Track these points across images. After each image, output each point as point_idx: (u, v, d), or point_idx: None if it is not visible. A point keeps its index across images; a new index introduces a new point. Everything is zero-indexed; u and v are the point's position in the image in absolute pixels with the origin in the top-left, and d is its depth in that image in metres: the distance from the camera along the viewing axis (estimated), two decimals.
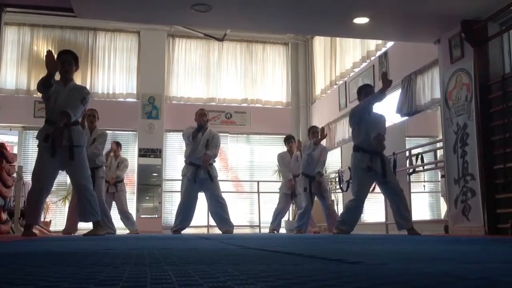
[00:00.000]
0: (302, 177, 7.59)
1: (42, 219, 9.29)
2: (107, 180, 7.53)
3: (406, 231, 5.48)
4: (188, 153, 6.78)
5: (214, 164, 6.85)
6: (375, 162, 5.44)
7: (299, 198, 8.04)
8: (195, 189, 6.75)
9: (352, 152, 5.71)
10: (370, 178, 5.56)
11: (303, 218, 7.51)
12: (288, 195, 8.14)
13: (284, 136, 8.77)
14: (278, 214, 8.21)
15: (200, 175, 6.66)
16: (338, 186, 8.94)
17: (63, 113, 4.70)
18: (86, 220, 5.20)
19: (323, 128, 7.68)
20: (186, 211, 6.75)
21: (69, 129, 4.79)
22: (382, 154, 5.51)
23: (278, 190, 8.52)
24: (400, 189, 5.48)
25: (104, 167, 6.94)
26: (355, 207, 5.58)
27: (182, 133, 6.93)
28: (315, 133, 7.64)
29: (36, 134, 4.95)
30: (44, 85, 4.71)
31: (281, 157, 8.33)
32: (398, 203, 5.43)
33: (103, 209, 6.76)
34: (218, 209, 6.75)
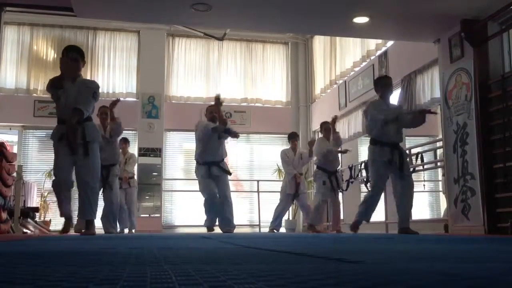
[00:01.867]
0: (319, 171, 7.59)
1: (42, 218, 9.31)
2: (120, 177, 7.54)
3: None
4: (200, 151, 6.68)
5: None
6: (394, 155, 5.40)
7: (302, 196, 8.04)
8: (212, 183, 6.71)
9: (369, 145, 5.61)
10: (389, 171, 5.49)
11: (317, 212, 7.54)
12: (290, 196, 8.09)
13: (284, 134, 8.77)
14: (280, 214, 8.18)
15: (214, 172, 6.65)
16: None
17: (75, 110, 4.70)
18: (83, 217, 5.14)
19: (333, 120, 7.67)
20: (213, 206, 6.71)
21: (82, 125, 4.81)
22: (400, 147, 5.51)
23: (279, 190, 8.48)
24: (412, 185, 5.50)
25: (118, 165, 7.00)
26: (374, 198, 5.58)
27: (197, 128, 6.73)
28: (327, 130, 7.63)
29: (50, 135, 5.01)
30: (56, 86, 4.73)
31: (284, 154, 8.28)
32: (408, 199, 5.43)
33: (118, 206, 6.83)
34: (224, 207, 6.74)
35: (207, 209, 6.79)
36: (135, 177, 8.63)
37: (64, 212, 5.11)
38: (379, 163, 5.44)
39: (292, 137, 8.37)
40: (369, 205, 5.62)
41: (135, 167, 9.28)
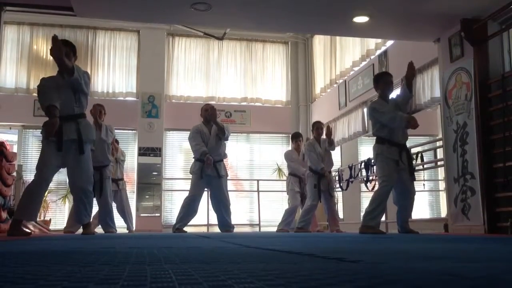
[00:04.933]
0: (310, 173, 7.35)
1: (41, 218, 9.31)
2: (113, 179, 7.52)
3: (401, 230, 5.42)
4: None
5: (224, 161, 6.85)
6: (403, 157, 5.21)
7: (290, 195, 7.93)
8: (202, 184, 6.71)
9: (375, 144, 5.33)
10: (396, 170, 5.20)
11: (307, 215, 7.38)
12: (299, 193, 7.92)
13: (284, 134, 8.72)
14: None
15: (207, 171, 6.63)
16: (338, 185, 8.91)
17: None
18: (81, 222, 5.11)
19: (328, 127, 7.57)
20: (189, 207, 6.68)
21: (77, 123, 4.68)
22: (407, 148, 5.37)
23: (278, 189, 8.40)
24: (414, 192, 5.33)
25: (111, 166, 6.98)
26: (386, 193, 5.16)
27: (190, 135, 6.85)
28: (320, 129, 7.56)
29: (40, 131, 4.78)
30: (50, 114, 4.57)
31: (289, 154, 8.22)
32: (412, 201, 5.30)
33: (112, 206, 6.83)
34: (221, 209, 6.73)
35: (182, 206, 6.73)
36: (135, 177, 8.57)
37: (33, 214, 4.84)
38: (387, 160, 5.19)
39: (295, 137, 8.28)
40: (380, 204, 5.13)
41: (135, 169, 9.26)
